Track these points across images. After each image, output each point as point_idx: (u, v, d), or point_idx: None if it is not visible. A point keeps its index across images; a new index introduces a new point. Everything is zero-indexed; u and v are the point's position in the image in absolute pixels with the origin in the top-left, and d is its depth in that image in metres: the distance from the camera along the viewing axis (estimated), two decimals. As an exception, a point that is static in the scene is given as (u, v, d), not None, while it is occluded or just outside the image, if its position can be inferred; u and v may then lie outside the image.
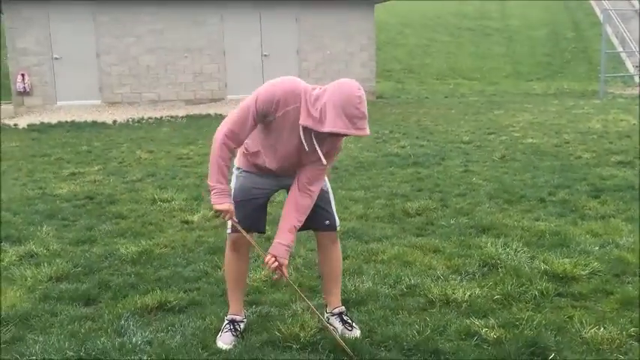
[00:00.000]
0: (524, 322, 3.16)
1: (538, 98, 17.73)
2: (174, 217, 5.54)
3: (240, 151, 3.12)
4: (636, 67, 22.21)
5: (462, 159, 8.16)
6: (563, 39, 27.75)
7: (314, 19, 16.99)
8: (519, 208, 5.59)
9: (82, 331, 3.18)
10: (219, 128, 2.91)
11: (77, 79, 15.22)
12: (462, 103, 16.56)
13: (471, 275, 3.89)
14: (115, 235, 4.98)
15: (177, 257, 4.39)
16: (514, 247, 4.33)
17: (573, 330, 3.10)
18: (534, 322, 3.15)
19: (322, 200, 3.14)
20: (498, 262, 4.05)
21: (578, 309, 3.36)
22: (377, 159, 8.32)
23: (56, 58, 15.08)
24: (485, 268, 4.00)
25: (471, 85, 22.19)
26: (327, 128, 2.72)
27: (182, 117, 14.09)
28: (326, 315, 3.27)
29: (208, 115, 14.24)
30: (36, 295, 3.67)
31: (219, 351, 2.99)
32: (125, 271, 4.11)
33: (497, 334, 3.05)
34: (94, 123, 13.15)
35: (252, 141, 3.02)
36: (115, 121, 13.38)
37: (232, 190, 3.10)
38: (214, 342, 3.06)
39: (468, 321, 3.21)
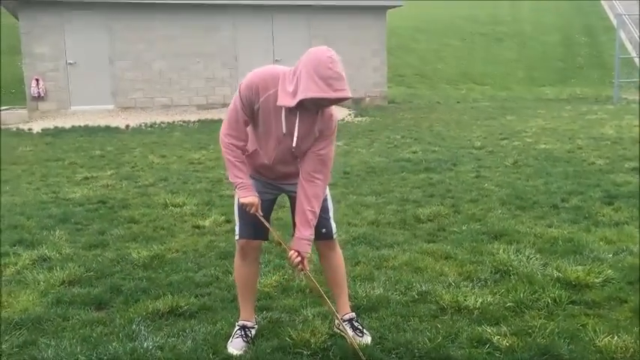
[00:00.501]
0: (536, 329, 3.14)
1: (551, 103, 17.63)
2: (185, 221, 5.55)
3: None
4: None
5: (474, 164, 8.13)
6: (576, 44, 27.60)
7: (326, 24, 17.02)
8: (532, 214, 5.55)
9: (94, 335, 3.19)
10: (221, 131, 2.96)
11: (91, 84, 15.35)
12: (474, 108, 16.51)
13: (483, 282, 3.86)
14: (126, 239, 5.00)
15: (188, 262, 4.40)
16: (527, 253, 4.30)
17: (587, 338, 3.06)
18: (547, 330, 3.12)
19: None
20: (511, 268, 4.02)
21: (592, 317, 3.33)
22: (388, 164, 8.30)
23: (70, 64, 15.22)
24: (498, 275, 3.97)
25: (483, 90, 22.10)
26: (300, 96, 2.69)
27: (194, 122, 14.16)
28: (336, 321, 3.26)
29: (220, 120, 14.24)
30: (48, 299, 3.70)
31: (230, 356, 2.99)
32: (137, 275, 4.13)
33: (510, 342, 3.03)
34: (107, 128, 13.25)
35: (250, 142, 3.03)
36: (127, 126, 13.47)
37: (237, 198, 3.10)
38: (225, 347, 3.06)
39: (479, 328, 3.19)
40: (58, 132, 12.64)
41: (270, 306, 3.57)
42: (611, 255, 4.28)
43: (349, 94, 2.74)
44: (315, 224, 2.99)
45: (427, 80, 23.55)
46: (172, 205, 6.10)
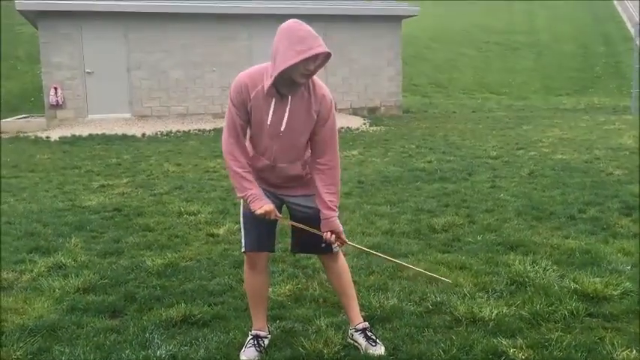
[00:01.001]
0: (553, 342, 3.09)
1: (568, 113, 17.49)
2: (200, 230, 5.57)
3: None
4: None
5: (489, 174, 8.07)
6: (594, 53, 27.40)
7: (341, 33, 17.05)
8: (548, 225, 5.49)
9: (108, 343, 3.20)
10: (222, 141, 2.97)
11: (108, 92, 15.51)
12: (490, 117, 16.42)
13: (499, 293, 3.82)
14: (141, 247, 5.02)
15: (202, 270, 4.40)
16: (543, 265, 4.25)
17: (604, 352, 3.01)
18: (564, 343, 3.07)
19: (319, 221, 3.07)
20: (527, 280, 3.97)
21: (610, 330, 3.27)
22: (403, 174, 8.27)
23: (88, 73, 15.39)
24: (513, 287, 3.92)
25: (499, 99, 22.00)
26: (280, 67, 2.69)
27: (209, 130, 14.23)
28: (350, 331, 3.23)
29: (235, 129, 14.35)
30: (63, 307, 3.71)
31: (243, 366, 2.98)
32: (151, 283, 4.14)
33: (526, 355, 2.99)
34: (124, 136, 13.36)
35: (250, 146, 3.04)
36: (144, 134, 13.57)
37: (242, 209, 3.13)
38: (238, 357, 3.05)
39: (495, 340, 3.14)
40: (75, 140, 12.77)
41: (283, 315, 3.56)
42: (629, 267, 4.22)
43: (326, 49, 2.73)
44: (337, 205, 3.00)
45: (442, 89, 23.50)
46: (187, 214, 6.12)
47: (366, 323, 3.23)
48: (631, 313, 3.47)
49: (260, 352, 3.09)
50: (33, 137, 13.32)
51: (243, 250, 3.16)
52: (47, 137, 13.26)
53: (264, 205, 2.92)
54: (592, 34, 29.42)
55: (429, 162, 9.17)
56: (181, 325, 3.44)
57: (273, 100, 2.86)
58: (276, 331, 3.33)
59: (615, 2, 33.44)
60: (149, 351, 3.09)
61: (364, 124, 15.12)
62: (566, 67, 26.09)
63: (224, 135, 2.95)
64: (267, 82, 2.80)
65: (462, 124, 14.83)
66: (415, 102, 20.83)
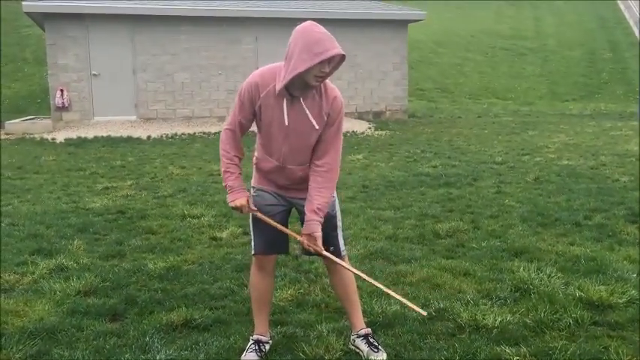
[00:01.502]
0: (557, 351, 3.05)
1: (574, 119, 17.42)
2: (203, 233, 5.55)
3: (254, 169, 3.15)
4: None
5: (494, 180, 8.03)
6: (601, 59, 27.31)
7: (347, 37, 17.02)
8: (554, 231, 5.45)
9: (107, 346, 3.18)
10: (224, 126, 3.05)
11: (114, 95, 15.54)
12: (496, 123, 16.37)
13: (503, 300, 3.78)
14: (144, 250, 5.00)
15: (204, 274, 4.38)
16: (548, 272, 4.20)
17: (609, 361, 2.97)
18: (568, 352, 3.03)
19: (328, 225, 3.08)
20: (531, 287, 3.93)
21: (615, 339, 3.23)
22: (407, 178, 8.24)
23: (94, 75, 15.43)
24: (518, 294, 3.88)
25: (505, 104, 21.94)
26: (296, 70, 2.69)
27: (215, 133, 14.23)
28: (352, 337, 3.20)
29: (240, 132, 14.36)
30: (64, 309, 3.70)
31: (243, 371, 2.95)
32: (152, 286, 4.12)
33: (529, 363, 2.95)
34: (129, 138, 13.38)
35: (259, 148, 3.06)
36: (149, 137, 13.58)
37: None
38: (238, 362, 3.03)
39: (498, 348, 3.11)
40: (80, 142, 12.79)
41: (284, 320, 3.53)
42: (635, 275, 4.17)
43: (341, 51, 2.74)
44: (324, 213, 2.95)
45: (448, 94, 23.46)
46: (190, 217, 6.10)
47: (369, 329, 3.20)
48: (636, 322, 3.42)
49: (261, 357, 3.06)
50: (38, 139, 13.35)
51: (253, 252, 3.15)
52: (53, 139, 13.29)
53: (237, 199, 2.97)
54: (599, 40, 29.33)
55: (434, 167, 9.13)
56: (182, 329, 3.42)
57: (285, 100, 2.84)
58: (277, 336, 3.31)
59: (622, 7, 33.35)
60: (149, 355, 3.07)
61: (369, 128, 15.10)
62: (572, 73, 26.01)
63: (224, 126, 3.02)
64: (280, 84, 2.78)
65: (467, 129, 14.78)
66: (421, 106, 20.79)
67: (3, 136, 13.71)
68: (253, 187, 3.15)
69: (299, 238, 2.97)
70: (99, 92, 15.49)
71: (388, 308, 3.63)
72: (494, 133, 13.65)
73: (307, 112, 2.87)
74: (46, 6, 14.64)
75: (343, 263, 3.07)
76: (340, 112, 2.95)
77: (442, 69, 26.00)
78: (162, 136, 13.71)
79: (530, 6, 34.88)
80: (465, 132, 14.07)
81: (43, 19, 15.17)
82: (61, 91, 15.02)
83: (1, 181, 8.26)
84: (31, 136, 13.86)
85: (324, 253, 2.98)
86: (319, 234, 2.94)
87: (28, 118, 16.31)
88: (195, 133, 14.23)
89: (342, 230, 3.22)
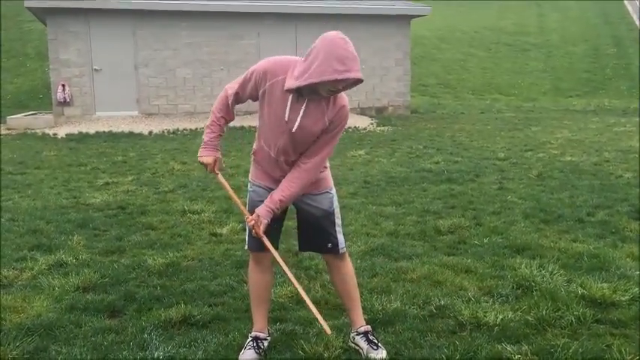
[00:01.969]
0: (559, 349, 3.02)
1: (577, 115, 17.34)
2: (203, 229, 5.52)
3: (252, 162, 3.13)
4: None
5: (497, 176, 7.99)
6: (604, 55, 27.18)
7: (349, 33, 16.74)
8: (556, 228, 5.41)
9: (105, 343, 3.15)
10: (227, 85, 3.04)
11: (116, 90, 15.51)
12: (499, 118, 16.31)
13: (504, 298, 3.75)
14: (143, 246, 4.98)
15: (203, 270, 4.35)
16: (550, 269, 4.17)
17: (612, 360, 2.94)
18: (570, 350, 3.00)
19: (326, 221, 3.06)
20: (533, 284, 3.90)
21: (618, 337, 3.20)
22: (409, 174, 8.20)
23: (96, 70, 15.40)
24: (519, 291, 3.85)
25: (508, 100, 21.85)
26: (310, 79, 2.66)
27: (216, 129, 14.18)
28: (351, 334, 3.18)
29: (242, 128, 14.30)
30: (62, 306, 3.67)
31: (241, 369, 2.93)
32: (151, 283, 4.10)
33: (531, 362, 2.92)
34: (131, 134, 13.35)
35: (258, 138, 3.04)
36: (150, 132, 13.55)
37: (246, 207, 3.11)
38: (237, 359, 3.00)
39: (499, 346, 3.08)
40: (82, 137, 12.77)
41: (284, 317, 3.51)
42: (638, 272, 4.13)
43: (361, 75, 2.71)
44: (286, 203, 2.96)
45: (451, 90, 23.37)
46: (190, 212, 6.08)
47: (368, 327, 3.17)
48: (639, 320, 3.39)
49: (259, 354, 3.03)
50: (40, 134, 13.33)
51: (245, 247, 3.16)
52: (54, 134, 13.27)
53: (205, 156, 3.04)
54: (602, 36, 29.18)
55: (436, 163, 9.08)
56: (180, 326, 3.40)
57: (290, 97, 2.82)
58: (276, 333, 3.28)
59: (626, 2, 33.17)
60: (147, 352, 3.05)
61: (371, 124, 15.05)
62: (576, 69, 25.88)
63: (226, 87, 3.03)
64: (293, 83, 2.74)
65: (470, 124, 14.72)
66: (423, 102, 20.72)
67: (5, 132, 13.70)
68: (250, 182, 3.13)
69: (248, 215, 2.99)
70: (100, 87, 15.46)
71: (388, 305, 3.61)
72: (497, 129, 13.59)
73: (310, 114, 2.83)
74: (48, 1, 14.59)
75: (281, 261, 3.01)
76: (343, 121, 2.93)
77: (445, 65, 25.90)
78: (163, 132, 13.68)
79: (534, 2, 34.73)
80: (468, 128, 14.01)
81: (45, 14, 15.13)
82: (63, 86, 14.99)
83: (2, 177, 8.24)
84: (33, 131, 13.84)
85: (264, 239, 2.98)
86: (266, 222, 2.94)
87: (30, 113, 16.30)
88: (197, 129, 14.19)
89: (342, 227, 3.19)
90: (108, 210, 6.28)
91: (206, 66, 16.20)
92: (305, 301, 2.98)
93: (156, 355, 3.01)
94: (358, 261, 4.41)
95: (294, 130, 2.84)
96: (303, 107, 2.82)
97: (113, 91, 15.45)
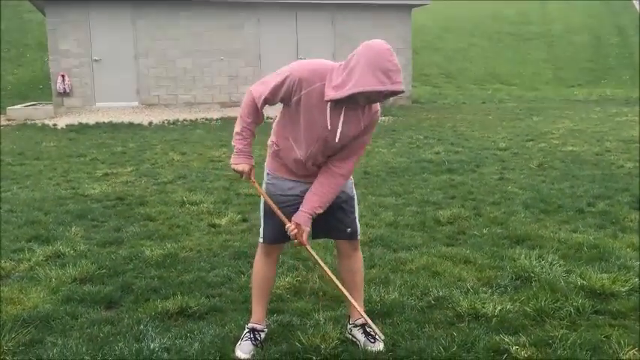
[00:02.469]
0: (557, 340, 3.00)
1: (579, 105, 17.26)
2: (201, 220, 5.50)
3: (269, 153, 3.05)
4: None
5: (497, 166, 7.95)
6: (607, 44, 27.02)
7: (350, 22, 16.89)
8: (556, 218, 5.38)
9: (101, 335, 3.14)
10: (252, 87, 2.90)
11: (116, 80, 15.46)
12: (500, 108, 16.24)
13: (503, 288, 3.73)
14: (141, 237, 4.96)
15: (201, 261, 4.33)
16: (549, 259, 4.15)
17: (610, 351, 2.92)
18: (568, 341, 2.98)
19: (347, 205, 3.04)
20: (532, 275, 3.88)
21: (616, 328, 3.17)
22: (410, 165, 8.16)
23: (96, 60, 15.35)
24: (518, 282, 3.83)
25: (510, 90, 21.76)
26: (353, 89, 2.60)
27: (217, 119, 14.15)
28: (348, 326, 3.16)
29: (243, 118, 14.27)
30: (59, 297, 3.66)
31: (237, 361, 2.91)
32: (149, 274, 4.08)
33: (529, 353, 2.90)
34: (131, 124, 13.31)
35: (281, 137, 2.95)
36: (150, 123, 13.52)
37: (262, 199, 3.05)
38: (233, 351, 2.99)
39: (497, 337, 3.06)
40: (81, 128, 12.74)
41: (281, 309, 3.49)
42: (638, 263, 4.11)
43: (403, 88, 2.66)
44: (323, 210, 2.91)
45: (453, 80, 23.27)
46: (189, 203, 6.06)
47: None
48: (639, 311, 3.36)
49: (256, 345, 3.02)
50: (40, 125, 13.29)
51: (261, 240, 3.10)
52: (54, 125, 13.23)
53: (240, 163, 2.94)
54: (605, 25, 28.99)
55: (437, 153, 9.04)
56: (177, 318, 3.38)
57: (328, 105, 2.76)
58: (273, 324, 3.26)
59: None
60: (142, 344, 3.03)
61: (372, 114, 14.98)
62: (578, 58, 25.74)
63: (251, 86, 2.91)
64: (334, 94, 2.67)
65: (471, 115, 14.66)
66: (425, 92, 20.63)
67: (5, 122, 13.67)
68: (268, 174, 3.06)
69: (288, 223, 2.91)
70: (100, 78, 15.41)
71: (387, 296, 3.59)
72: (499, 119, 13.54)
73: (348, 121, 2.80)
74: (47, -9, 14.54)
75: (315, 256, 2.99)
76: (375, 124, 2.93)
77: (447, 54, 25.77)
78: (163, 122, 13.64)
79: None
80: (469, 118, 13.95)
81: (44, 4, 15.06)
82: (62, 76, 14.95)
83: (1, 167, 8.23)
84: (33, 122, 13.81)
85: (309, 248, 2.94)
86: (308, 229, 2.91)
87: (30, 103, 16.26)
88: (197, 119, 14.15)
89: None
90: (106, 201, 6.26)
91: (206, 56, 16.13)
92: (342, 291, 2.96)
93: (151, 346, 2.99)
94: (357, 252, 4.38)
95: (337, 139, 2.80)
96: (342, 115, 2.78)
97: (113, 81, 15.41)
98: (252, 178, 2.99)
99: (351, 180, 3.13)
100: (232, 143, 2.98)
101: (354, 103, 2.74)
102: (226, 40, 16.22)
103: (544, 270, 3.96)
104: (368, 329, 3.08)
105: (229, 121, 13.77)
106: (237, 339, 3.07)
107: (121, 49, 15.50)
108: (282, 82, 2.78)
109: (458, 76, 23.69)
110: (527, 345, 2.98)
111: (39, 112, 14.65)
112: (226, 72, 16.29)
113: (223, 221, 5.41)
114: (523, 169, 7.73)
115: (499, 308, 3.38)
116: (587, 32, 28.13)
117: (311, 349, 2.97)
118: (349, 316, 3.19)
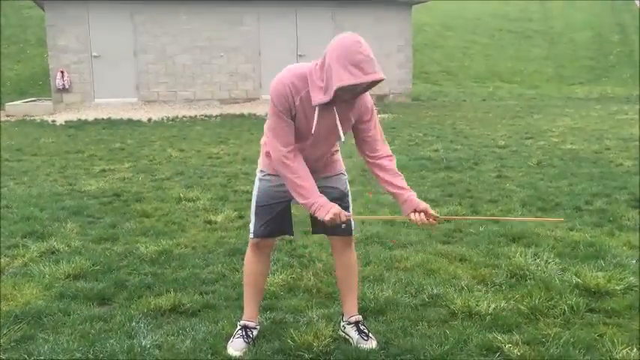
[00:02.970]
0: (550, 339, 2.98)
1: (580, 103, 17.23)
2: (197, 216, 5.49)
3: (263, 153, 3.03)
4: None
5: (496, 164, 7.93)
6: (608, 42, 26.96)
7: (350, 18, 16.86)
8: (553, 216, 5.36)
9: (93, 331, 3.13)
10: (270, 148, 2.80)
11: (115, 77, 15.45)
12: (500, 106, 16.21)
13: (498, 286, 3.71)
14: (137, 233, 4.95)
15: (196, 258, 4.32)
16: (545, 257, 4.13)
17: (604, 349, 2.90)
18: (562, 340, 2.96)
19: (341, 201, 3.02)
20: (527, 273, 3.86)
21: (610, 327, 3.16)
22: (408, 162, 8.14)
23: (95, 56, 15.33)
24: (513, 280, 3.81)
25: (510, 88, 21.72)
26: (333, 87, 2.58)
27: (216, 116, 14.14)
28: (342, 323, 3.14)
29: (242, 115, 14.26)
30: (52, 293, 3.65)
31: (229, 358, 2.90)
32: (143, 270, 4.06)
33: (522, 351, 2.88)
34: (130, 121, 13.30)
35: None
36: (149, 119, 13.51)
37: (255, 195, 3.03)
38: (225, 348, 2.97)
39: (490, 335, 3.04)
40: (80, 124, 12.73)
41: (274, 306, 3.47)
42: (634, 261, 4.09)
43: (382, 76, 2.62)
44: (402, 191, 2.95)
45: (453, 77, 23.24)
46: (186, 200, 6.04)
47: (359, 316, 3.14)
48: (633, 309, 3.35)
49: (248, 343, 3.00)
50: (39, 121, 13.29)
51: (251, 236, 3.06)
52: (53, 121, 13.23)
53: (330, 210, 2.75)
54: (606, 23, 28.93)
55: (436, 151, 9.03)
56: (170, 314, 3.37)
57: (317, 108, 2.74)
58: (266, 322, 3.25)
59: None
60: (134, 340, 3.01)
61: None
62: (579, 56, 25.70)
63: (271, 142, 2.78)
64: (322, 98, 2.65)
65: (471, 112, 14.64)
66: (425, 90, 20.60)
67: (4, 118, 13.66)
68: (262, 172, 3.03)
69: (413, 217, 2.91)
70: (100, 74, 15.40)
71: (380, 294, 3.57)
72: (498, 117, 13.51)
73: (337, 118, 2.78)
74: (46, -14, 14.52)
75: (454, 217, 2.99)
76: (371, 107, 2.91)
77: (448, 52, 25.73)
78: (163, 119, 13.63)
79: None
80: (469, 115, 13.93)
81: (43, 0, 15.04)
82: (62, 72, 14.94)
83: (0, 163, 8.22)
84: (32, 118, 13.81)
85: (445, 217, 2.95)
86: (424, 204, 2.91)
87: (29, 100, 16.25)
88: (196, 116, 14.14)
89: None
90: (103, 197, 6.25)
91: (206, 52, 16.12)
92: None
93: (143, 343, 2.98)
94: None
95: (342, 139, 2.82)
96: (336, 114, 2.78)
97: (112, 77, 15.40)
98: (348, 213, 2.93)
99: (346, 176, 3.12)
100: (302, 202, 2.78)
101: (339, 99, 2.72)
102: (226, 37, 16.20)
103: (539, 268, 3.95)
104: (361, 327, 3.06)
105: (229, 118, 13.77)
106: (229, 336, 3.06)
107: (120, 45, 15.48)
108: (280, 114, 2.72)
109: (458, 74, 23.66)
110: (521, 343, 2.97)
111: (38, 108, 14.65)
112: (226, 69, 16.28)
113: (219, 218, 5.39)
114: (522, 167, 7.71)
115: (493, 306, 3.37)
116: (588, 30, 28.08)
117: (303, 346, 2.95)
118: (343, 314, 3.18)
